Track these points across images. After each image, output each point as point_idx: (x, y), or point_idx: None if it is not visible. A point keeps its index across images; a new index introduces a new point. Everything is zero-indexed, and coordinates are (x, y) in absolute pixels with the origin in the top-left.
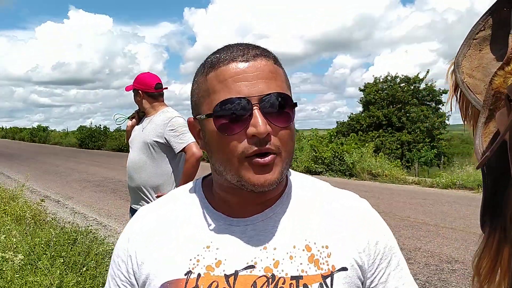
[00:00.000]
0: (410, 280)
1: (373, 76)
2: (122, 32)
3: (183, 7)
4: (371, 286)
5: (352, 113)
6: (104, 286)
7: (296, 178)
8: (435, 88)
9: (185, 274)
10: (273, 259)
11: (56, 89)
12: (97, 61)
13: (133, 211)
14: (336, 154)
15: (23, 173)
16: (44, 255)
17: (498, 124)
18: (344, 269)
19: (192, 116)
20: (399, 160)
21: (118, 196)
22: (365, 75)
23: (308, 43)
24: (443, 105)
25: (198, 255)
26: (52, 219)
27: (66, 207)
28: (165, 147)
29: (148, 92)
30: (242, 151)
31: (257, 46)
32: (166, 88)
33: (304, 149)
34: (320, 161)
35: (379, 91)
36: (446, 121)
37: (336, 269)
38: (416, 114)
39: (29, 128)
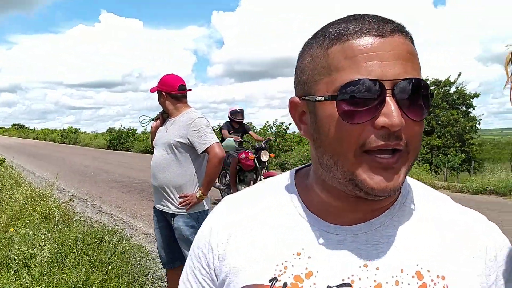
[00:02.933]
0: None
1: None
2: (151, 35)
3: (211, 11)
4: None
5: None
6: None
7: (412, 185)
8: (466, 92)
9: (270, 281)
10: (375, 281)
11: (86, 92)
12: (127, 64)
13: (156, 211)
14: None
15: (53, 173)
16: (71, 253)
17: None
18: None
19: (296, 96)
20: (428, 164)
21: (144, 197)
22: None
23: None
24: (473, 109)
25: (286, 261)
26: (80, 218)
27: (94, 207)
28: (188, 148)
29: (171, 93)
30: (363, 143)
31: (391, 19)
32: (190, 90)
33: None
34: None
35: None
36: (477, 126)
37: None
38: (446, 118)
39: (59, 130)
